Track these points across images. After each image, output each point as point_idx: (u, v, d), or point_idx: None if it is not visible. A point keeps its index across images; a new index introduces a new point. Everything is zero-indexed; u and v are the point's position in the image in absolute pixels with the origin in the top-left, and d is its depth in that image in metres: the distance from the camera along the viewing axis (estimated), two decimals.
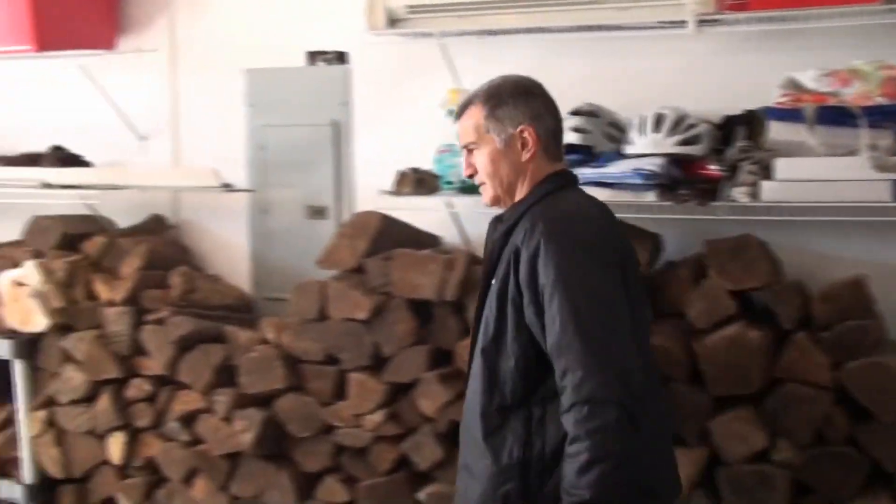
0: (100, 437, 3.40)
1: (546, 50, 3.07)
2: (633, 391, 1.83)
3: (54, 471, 3.50)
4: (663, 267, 2.88)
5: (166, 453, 3.31)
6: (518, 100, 2.04)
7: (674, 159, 2.71)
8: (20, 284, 3.44)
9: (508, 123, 2.03)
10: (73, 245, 3.61)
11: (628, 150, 2.77)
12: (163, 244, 3.64)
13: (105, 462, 3.43)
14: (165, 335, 3.26)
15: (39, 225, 3.66)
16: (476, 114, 2.06)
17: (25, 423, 3.51)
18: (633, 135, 2.77)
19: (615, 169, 2.73)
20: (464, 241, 3.24)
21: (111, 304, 3.40)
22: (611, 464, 1.80)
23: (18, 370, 3.50)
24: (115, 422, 3.36)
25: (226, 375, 3.19)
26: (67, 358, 3.42)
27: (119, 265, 3.50)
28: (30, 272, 3.43)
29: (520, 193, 2.06)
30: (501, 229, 2.05)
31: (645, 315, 2.10)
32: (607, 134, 2.85)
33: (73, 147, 3.78)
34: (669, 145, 2.70)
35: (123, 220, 3.78)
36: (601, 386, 1.82)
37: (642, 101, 2.87)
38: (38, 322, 3.42)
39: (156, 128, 3.81)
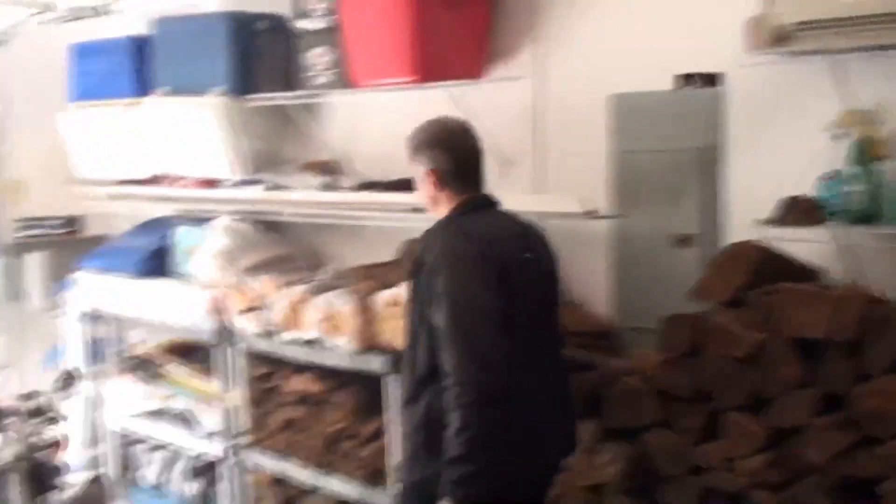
0: None
1: None
2: (493, 376, 2.43)
3: None
4: None
5: None
6: (423, 149, 2.74)
7: None
8: (394, 304, 3.61)
9: (421, 165, 2.75)
10: None
11: None
12: None
13: None
14: None
15: (411, 247, 3.83)
16: (408, 155, 2.80)
17: (393, 437, 3.67)
18: None
19: None
20: (854, 275, 2.99)
21: None
22: (473, 431, 2.40)
23: (391, 385, 3.67)
24: None
25: (591, 404, 3.15)
26: None
27: None
28: (402, 292, 3.59)
29: (439, 214, 2.74)
30: (422, 243, 2.71)
31: (528, 321, 2.61)
32: None
33: None
34: None
35: None
36: (467, 372, 2.43)
37: None
38: None
39: (519, 153, 3.87)
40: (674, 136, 3.45)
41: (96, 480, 3.05)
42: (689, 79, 3.40)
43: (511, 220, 2.78)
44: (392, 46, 3.70)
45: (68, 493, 2.94)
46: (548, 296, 2.79)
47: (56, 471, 3.02)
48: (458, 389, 2.43)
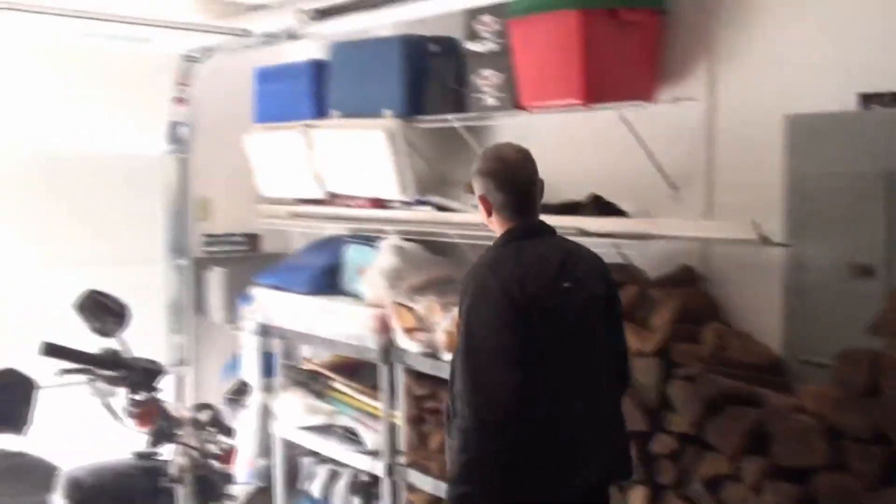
0: (622, 487, 3.37)
1: None
2: (496, 410, 2.56)
3: None
4: None
5: None
6: (478, 176, 2.86)
7: None
8: None
9: (477, 191, 2.88)
10: None
11: None
12: (693, 296, 3.55)
13: None
14: (695, 392, 3.14)
15: None
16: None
17: None
18: None
19: None
20: None
21: (641, 354, 3.37)
22: (469, 455, 2.57)
23: None
24: (638, 474, 3.31)
25: (756, 442, 2.99)
26: None
27: (650, 316, 3.47)
28: None
29: (496, 236, 2.88)
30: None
31: (561, 350, 2.70)
32: None
33: (609, 196, 3.85)
34: None
35: (652, 270, 3.76)
36: (471, 402, 2.58)
37: None
38: None
39: (689, 177, 3.75)
40: (856, 159, 3.24)
41: (263, 491, 3.14)
42: (874, 98, 3.20)
43: (556, 248, 2.87)
44: (561, 68, 3.66)
45: (236, 503, 3.04)
46: (591, 323, 2.82)
47: (226, 480, 3.12)
48: (462, 414, 2.61)
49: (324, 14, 4.70)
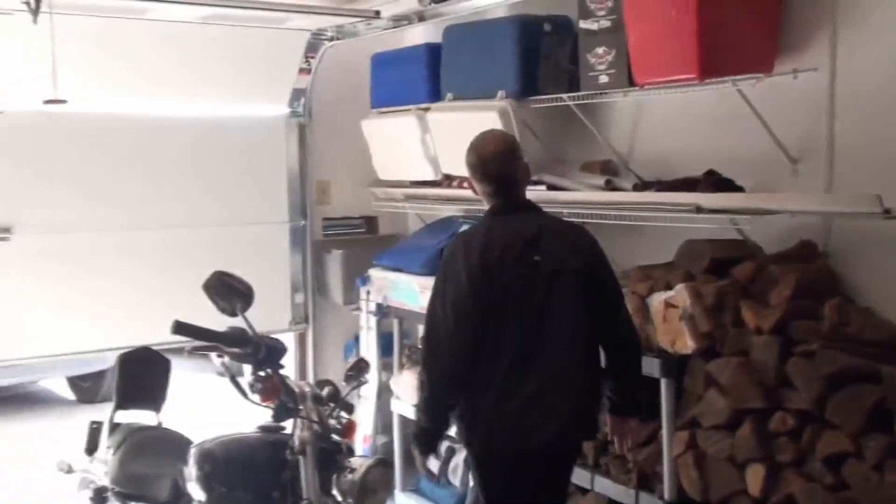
0: (739, 465, 3.33)
1: None
2: (443, 366, 3.11)
3: (692, 492, 3.52)
4: None
5: (808, 493, 3.12)
6: (466, 165, 3.28)
7: None
8: (671, 306, 3.53)
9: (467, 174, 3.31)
10: (722, 270, 3.61)
11: None
12: (813, 272, 3.47)
13: (742, 491, 3.34)
14: (814, 370, 3.08)
15: (691, 248, 3.73)
16: None
17: (669, 442, 3.59)
18: None
19: None
20: None
21: (759, 331, 3.32)
22: (421, 397, 3.21)
23: (665, 389, 3.59)
24: (755, 452, 3.26)
25: (879, 419, 2.91)
26: (712, 382, 3.42)
27: (768, 292, 3.41)
28: (680, 294, 3.51)
29: None
30: None
31: (525, 315, 3.08)
32: None
33: (726, 172, 3.79)
34: None
35: (771, 247, 3.69)
36: (424, 356, 3.19)
37: None
38: (686, 344, 3.48)
39: (809, 150, 3.65)
40: None
41: (381, 464, 3.23)
42: None
43: (532, 223, 3.19)
44: (675, 43, 3.60)
45: (355, 475, 3.13)
46: (559, 293, 3.09)
47: (348, 453, 3.22)
48: (421, 365, 3.24)
49: None
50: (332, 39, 5.58)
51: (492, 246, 3.11)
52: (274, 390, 3.05)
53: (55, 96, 3.93)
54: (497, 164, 3.22)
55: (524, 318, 3.08)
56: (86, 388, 8.12)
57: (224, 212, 5.46)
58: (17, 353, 5.15)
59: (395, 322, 5.20)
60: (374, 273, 5.32)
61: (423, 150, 5.05)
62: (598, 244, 3.26)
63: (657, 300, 3.61)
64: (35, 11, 3.82)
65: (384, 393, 5.36)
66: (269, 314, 5.15)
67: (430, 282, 4.80)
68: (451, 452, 5.02)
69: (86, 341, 5.22)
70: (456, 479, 4.94)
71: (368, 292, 5.39)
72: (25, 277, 4.92)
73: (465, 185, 4.76)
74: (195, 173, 5.41)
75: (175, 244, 5.29)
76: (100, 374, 7.73)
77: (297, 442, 3.02)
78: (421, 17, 4.99)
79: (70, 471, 4.01)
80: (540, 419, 3.08)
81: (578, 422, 3.17)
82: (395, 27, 5.20)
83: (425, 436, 3.26)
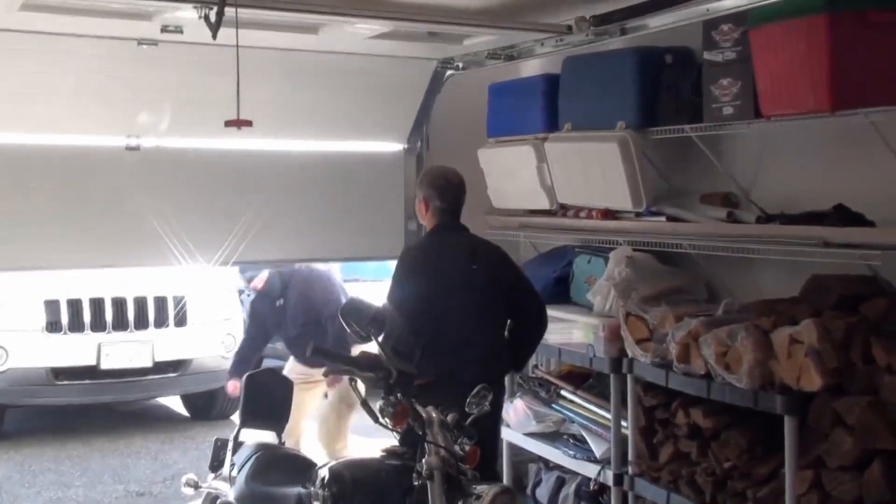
0: None
1: None
2: (393, 340, 3.71)
3: None
4: None
5: None
6: (425, 185, 4.35)
7: None
8: (796, 341, 3.48)
9: (420, 193, 4.36)
10: (850, 306, 3.54)
11: None
12: None
13: None
14: None
15: (818, 283, 3.67)
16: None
17: (791, 481, 3.52)
18: None
19: None
20: None
21: (890, 370, 3.24)
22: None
23: (788, 426, 3.53)
24: (885, 496, 3.19)
25: None
26: (839, 421, 3.35)
27: None
28: (807, 329, 3.45)
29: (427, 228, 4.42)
30: None
31: (462, 301, 4.16)
32: None
33: (855, 206, 3.71)
34: None
35: None
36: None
37: None
38: (811, 380, 3.42)
39: None
40: None
41: (506, 491, 3.25)
42: None
43: (467, 240, 4.32)
44: (806, 75, 3.55)
45: (481, 502, 3.16)
46: (488, 291, 4.20)
47: (473, 480, 3.26)
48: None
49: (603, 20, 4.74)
50: (457, 69, 5.66)
51: (437, 255, 4.24)
52: (404, 415, 3.11)
53: (238, 117, 3.95)
54: (458, 192, 4.33)
55: (464, 303, 4.13)
56: (200, 406, 8.38)
57: (346, 245, 5.79)
58: None
59: None
60: None
61: (539, 179, 5.09)
62: None
63: (782, 335, 3.56)
64: (215, 27, 3.87)
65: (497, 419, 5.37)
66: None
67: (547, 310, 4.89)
68: (561, 483, 5.02)
69: None
70: None
71: None
72: None
73: (574, 213, 4.95)
74: (323, 208, 5.67)
75: None
76: (212, 393, 7.97)
77: (424, 467, 3.06)
78: (623, 31, 4.80)
79: (197, 487, 4.14)
80: (466, 363, 4.03)
81: (491, 369, 4.14)
82: (594, 41, 4.92)
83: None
